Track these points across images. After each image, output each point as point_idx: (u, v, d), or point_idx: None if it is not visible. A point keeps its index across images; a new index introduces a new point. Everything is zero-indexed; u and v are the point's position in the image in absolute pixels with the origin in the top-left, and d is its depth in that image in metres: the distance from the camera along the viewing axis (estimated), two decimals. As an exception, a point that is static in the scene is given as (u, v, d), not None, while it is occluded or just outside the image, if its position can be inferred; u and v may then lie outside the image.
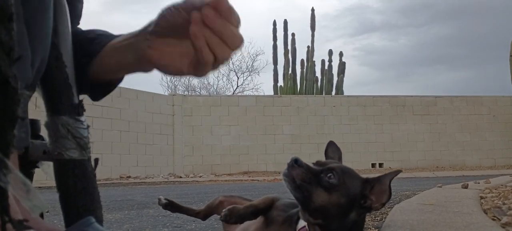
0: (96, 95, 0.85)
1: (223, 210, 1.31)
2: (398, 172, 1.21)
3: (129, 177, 10.88)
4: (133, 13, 38.40)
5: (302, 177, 1.16)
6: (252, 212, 1.32)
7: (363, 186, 1.19)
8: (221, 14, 0.64)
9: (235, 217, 1.29)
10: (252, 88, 23.47)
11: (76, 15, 0.86)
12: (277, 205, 1.35)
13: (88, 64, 0.80)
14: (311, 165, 1.22)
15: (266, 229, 1.31)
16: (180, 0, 0.66)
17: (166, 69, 0.71)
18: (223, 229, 1.66)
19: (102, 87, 0.84)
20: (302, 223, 1.22)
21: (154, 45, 0.70)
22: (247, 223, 1.38)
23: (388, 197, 1.18)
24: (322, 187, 1.15)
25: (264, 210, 1.34)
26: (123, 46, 0.76)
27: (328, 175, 1.16)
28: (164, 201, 1.71)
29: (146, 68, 0.75)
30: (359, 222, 1.22)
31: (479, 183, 4.70)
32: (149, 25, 0.70)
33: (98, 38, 0.81)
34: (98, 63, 0.79)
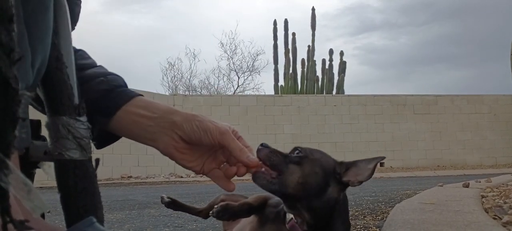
0: (102, 144, 0.88)
1: (216, 206, 1.30)
2: (381, 158, 1.22)
3: (130, 177, 10.89)
4: (133, 13, 38.40)
5: (269, 156, 1.15)
6: (247, 210, 1.33)
7: (336, 165, 1.21)
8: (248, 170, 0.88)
9: (229, 213, 1.29)
10: (253, 88, 23.43)
11: (73, 18, 0.86)
12: (270, 203, 1.35)
13: (104, 124, 0.82)
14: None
15: (260, 227, 1.32)
16: (214, 126, 0.83)
17: (181, 165, 0.85)
18: (222, 228, 1.66)
19: (108, 136, 0.87)
20: (290, 215, 1.23)
21: (180, 149, 0.82)
22: (243, 222, 1.38)
23: (367, 177, 1.18)
24: (292, 162, 1.16)
25: (257, 208, 1.34)
26: (143, 126, 0.82)
27: (295, 152, 1.19)
28: (167, 200, 1.71)
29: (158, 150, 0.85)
30: (340, 202, 1.21)
31: (480, 182, 4.70)
32: (174, 123, 0.81)
33: (114, 92, 0.83)
34: (112, 123, 0.82)
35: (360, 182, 1.20)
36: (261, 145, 1.18)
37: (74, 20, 0.88)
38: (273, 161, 1.15)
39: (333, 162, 1.22)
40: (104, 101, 0.82)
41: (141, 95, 0.86)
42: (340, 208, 1.21)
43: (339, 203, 1.21)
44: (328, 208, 1.18)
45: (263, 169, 1.12)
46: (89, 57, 0.89)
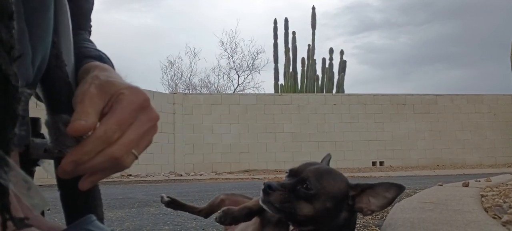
0: None
1: (218, 212, 1.30)
2: (402, 189, 1.12)
3: (130, 175, 10.89)
4: (133, 11, 38.40)
5: (280, 199, 1.12)
6: (247, 214, 1.31)
7: (349, 188, 1.16)
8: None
9: (230, 218, 1.29)
10: (253, 87, 23.47)
11: (84, 15, 0.85)
12: None
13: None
14: (285, 180, 1.18)
15: (262, 230, 1.31)
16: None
17: None
18: (223, 228, 1.66)
19: None
20: None
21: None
22: (244, 224, 1.38)
23: (381, 207, 1.13)
24: (302, 199, 1.12)
25: (258, 211, 1.33)
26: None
27: (304, 185, 1.13)
28: (166, 199, 1.71)
29: None
30: (351, 219, 1.19)
31: (479, 182, 4.70)
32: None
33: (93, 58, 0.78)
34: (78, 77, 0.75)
35: (373, 211, 1.14)
36: (269, 188, 1.13)
37: (87, 18, 0.87)
38: (284, 203, 1.12)
39: (345, 187, 1.16)
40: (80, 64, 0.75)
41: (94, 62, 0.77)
42: (349, 225, 1.19)
43: (350, 222, 1.18)
44: (337, 228, 1.16)
45: None
46: None
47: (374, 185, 1.14)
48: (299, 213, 1.12)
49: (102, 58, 0.81)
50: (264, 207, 1.15)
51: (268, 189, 1.14)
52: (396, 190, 1.12)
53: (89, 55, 0.79)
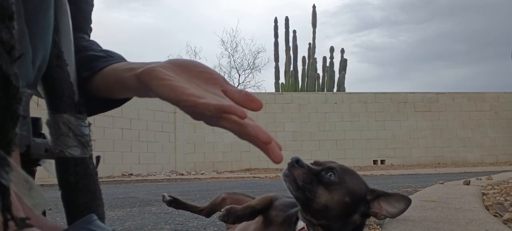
0: (92, 111, 0.81)
1: (221, 210, 1.30)
2: (409, 203, 1.16)
3: (131, 174, 10.91)
4: (132, 10, 38.44)
5: (304, 178, 1.14)
6: (250, 213, 1.31)
7: (367, 192, 1.18)
8: None
9: (233, 217, 1.28)
10: (254, 86, 23.41)
11: (86, 18, 0.85)
12: (276, 205, 1.33)
13: (89, 79, 0.77)
14: (311, 165, 1.20)
15: (265, 229, 1.30)
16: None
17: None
18: (225, 227, 1.66)
19: (100, 104, 0.81)
20: (301, 223, 1.20)
21: None
22: (246, 222, 1.38)
23: (394, 214, 1.16)
24: (323, 185, 1.13)
25: (262, 210, 1.33)
26: (127, 68, 0.73)
27: (329, 173, 1.15)
28: (168, 198, 1.71)
29: (145, 94, 0.75)
30: (361, 226, 1.20)
31: (481, 180, 4.70)
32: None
33: (107, 58, 0.78)
34: (98, 79, 0.76)
35: (385, 217, 1.17)
36: (297, 162, 1.15)
37: (87, 20, 0.87)
38: (305, 182, 1.13)
39: (365, 189, 1.18)
40: (97, 62, 0.77)
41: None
42: (357, 229, 1.19)
43: (359, 227, 1.19)
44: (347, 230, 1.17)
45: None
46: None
47: (389, 194, 1.18)
48: (317, 199, 1.12)
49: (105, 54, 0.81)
50: (284, 182, 1.16)
51: (296, 162, 1.15)
52: (405, 203, 1.16)
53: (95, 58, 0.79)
